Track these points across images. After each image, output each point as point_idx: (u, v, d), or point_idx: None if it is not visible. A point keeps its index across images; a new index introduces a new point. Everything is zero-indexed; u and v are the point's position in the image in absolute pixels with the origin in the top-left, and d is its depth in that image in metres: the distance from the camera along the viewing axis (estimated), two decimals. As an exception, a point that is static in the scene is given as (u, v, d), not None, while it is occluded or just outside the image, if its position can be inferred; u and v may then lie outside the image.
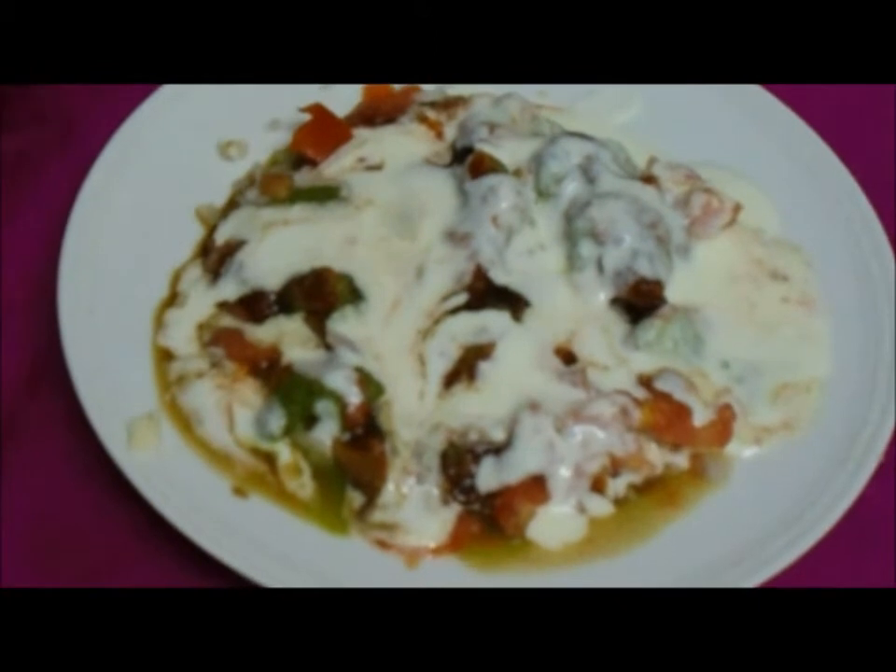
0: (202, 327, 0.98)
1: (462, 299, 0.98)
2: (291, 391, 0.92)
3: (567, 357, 0.96)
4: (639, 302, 0.98)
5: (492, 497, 0.90)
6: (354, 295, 0.98)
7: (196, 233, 1.04)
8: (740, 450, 0.95)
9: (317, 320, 0.97)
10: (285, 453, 0.92)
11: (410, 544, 0.89)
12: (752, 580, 0.87)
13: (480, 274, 0.99)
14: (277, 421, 0.92)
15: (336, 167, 1.07)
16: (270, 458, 0.92)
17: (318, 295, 0.97)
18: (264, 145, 1.10)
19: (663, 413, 0.93)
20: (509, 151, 1.05)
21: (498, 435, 0.91)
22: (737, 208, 1.04)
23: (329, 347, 0.95)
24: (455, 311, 0.98)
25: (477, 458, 0.91)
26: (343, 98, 1.11)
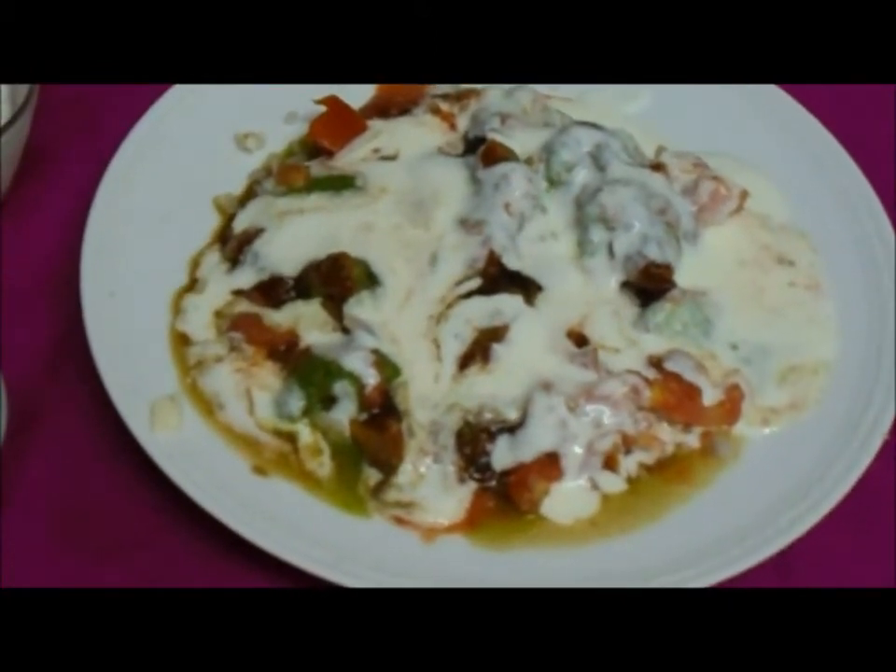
0: (218, 314, 1.00)
1: (476, 283, 1.00)
2: (310, 373, 0.94)
3: (579, 339, 0.98)
4: (649, 286, 1.00)
5: (507, 474, 0.92)
6: (370, 280, 1.00)
7: (214, 222, 1.07)
8: (749, 430, 0.97)
9: (334, 305, 0.99)
10: (305, 433, 0.94)
11: (427, 521, 0.91)
12: (759, 554, 0.89)
13: (493, 260, 1.01)
14: (296, 402, 0.94)
15: (351, 157, 1.09)
16: (292, 439, 0.94)
17: (335, 280, 0.99)
18: (281, 136, 1.12)
19: (673, 393, 0.95)
20: (520, 141, 1.07)
21: (512, 414, 0.93)
22: (744, 195, 1.07)
23: (346, 331, 0.98)
24: (468, 295, 1.00)
25: (492, 437, 0.93)
26: (357, 90, 1.13)
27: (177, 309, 1.00)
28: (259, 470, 0.92)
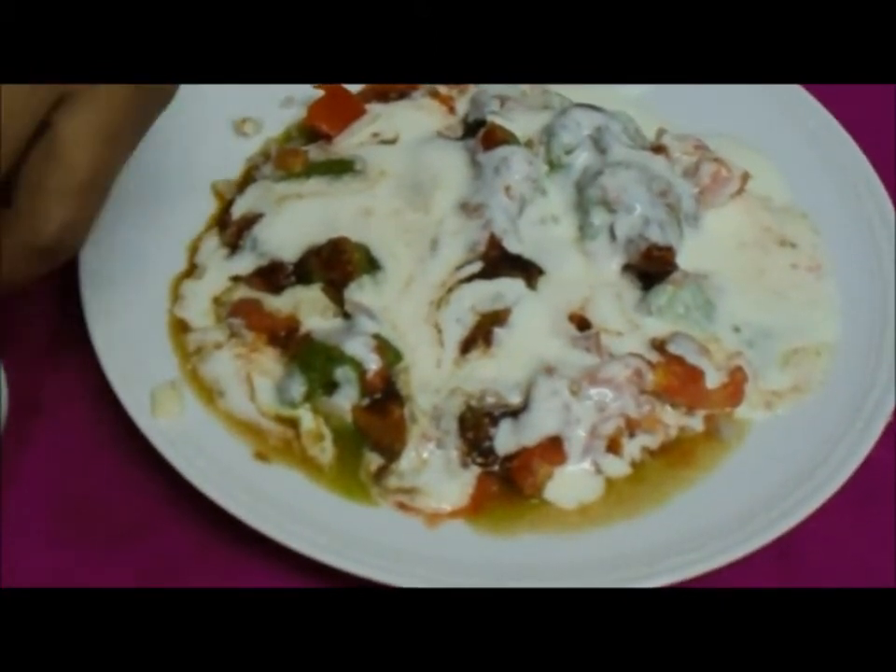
0: (217, 300, 1.00)
1: (476, 267, 1.00)
2: (311, 358, 0.94)
3: (581, 322, 0.98)
4: (651, 269, 1.00)
5: (510, 458, 0.92)
6: (371, 265, 0.99)
7: (212, 208, 1.06)
8: (752, 413, 0.97)
9: (335, 290, 0.99)
10: (307, 418, 0.93)
11: (430, 506, 0.90)
12: (764, 537, 0.89)
13: (494, 243, 1.00)
14: (298, 388, 0.93)
15: (350, 141, 1.08)
16: (294, 425, 0.93)
17: (336, 264, 0.99)
18: (278, 121, 1.12)
19: (676, 376, 0.95)
20: (520, 124, 1.07)
21: (515, 398, 0.93)
22: (746, 177, 1.06)
23: (346, 316, 0.97)
24: (469, 279, 1.00)
25: (494, 421, 0.92)
26: (355, 74, 1.13)
27: (176, 295, 1.00)
28: (261, 457, 0.92)
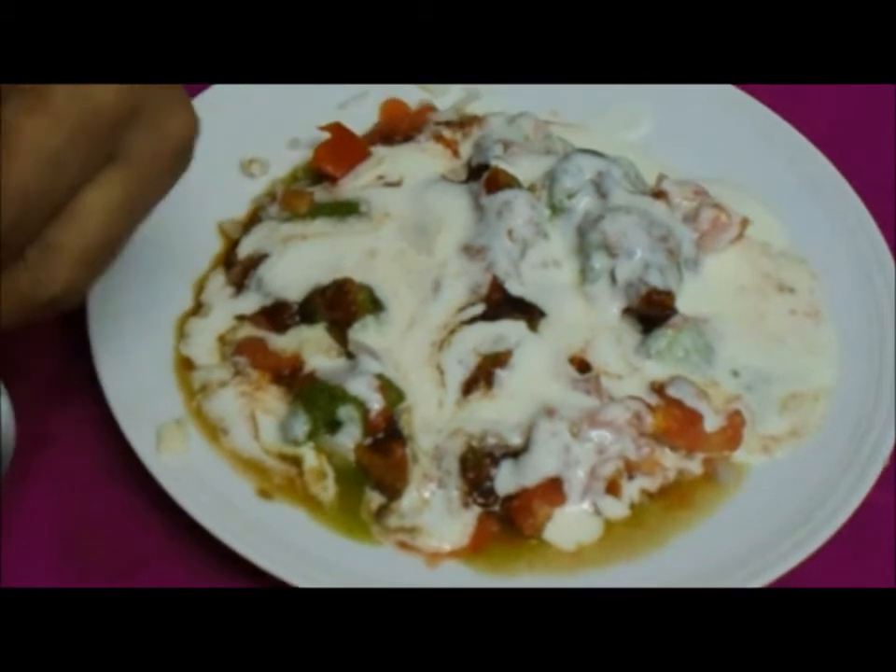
0: (222, 338, 1.01)
1: (479, 309, 1.01)
2: (315, 397, 0.95)
3: (582, 365, 0.99)
4: (651, 313, 1.01)
5: (510, 499, 0.93)
6: (374, 305, 1.01)
7: (218, 247, 1.07)
8: (750, 457, 0.98)
9: (339, 330, 1.00)
10: (310, 456, 0.95)
11: (431, 546, 0.91)
12: (760, 579, 0.89)
13: (496, 286, 1.02)
14: (301, 426, 0.94)
15: (355, 184, 1.10)
16: (297, 462, 0.94)
17: (340, 305, 1.00)
18: (285, 162, 1.13)
19: (675, 419, 0.96)
20: (523, 168, 1.08)
21: (516, 439, 0.94)
22: (745, 223, 1.07)
23: (350, 356, 0.99)
24: (471, 321, 1.01)
25: (495, 462, 0.93)
26: (360, 118, 1.14)
27: (182, 333, 1.01)
28: (264, 494, 0.93)
